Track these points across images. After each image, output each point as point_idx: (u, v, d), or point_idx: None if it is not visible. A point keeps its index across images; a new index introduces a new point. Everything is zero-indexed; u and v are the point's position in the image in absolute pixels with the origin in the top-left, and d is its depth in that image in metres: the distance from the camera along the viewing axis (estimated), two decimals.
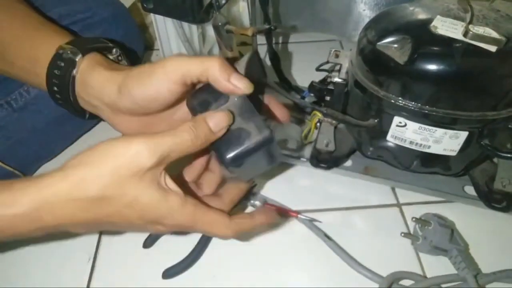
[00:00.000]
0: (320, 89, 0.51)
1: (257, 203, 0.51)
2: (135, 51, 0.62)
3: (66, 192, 0.31)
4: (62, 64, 0.39)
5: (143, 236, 0.48)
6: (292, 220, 0.50)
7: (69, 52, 0.39)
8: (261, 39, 0.55)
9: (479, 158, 0.47)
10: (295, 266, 0.46)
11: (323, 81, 0.51)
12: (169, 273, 0.45)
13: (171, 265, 0.45)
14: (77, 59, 0.39)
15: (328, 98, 0.52)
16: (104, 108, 0.39)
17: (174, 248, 0.47)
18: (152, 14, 0.50)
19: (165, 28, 0.51)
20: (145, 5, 0.46)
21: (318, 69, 0.54)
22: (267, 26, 0.47)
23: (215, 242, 0.48)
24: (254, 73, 0.38)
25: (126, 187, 0.31)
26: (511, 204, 0.48)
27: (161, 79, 0.34)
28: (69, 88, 0.40)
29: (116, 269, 0.46)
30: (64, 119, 0.54)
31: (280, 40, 0.81)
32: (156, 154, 0.31)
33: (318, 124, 0.52)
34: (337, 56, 0.51)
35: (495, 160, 0.51)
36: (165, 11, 0.47)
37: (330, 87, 0.50)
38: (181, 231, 0.43)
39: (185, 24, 0.49)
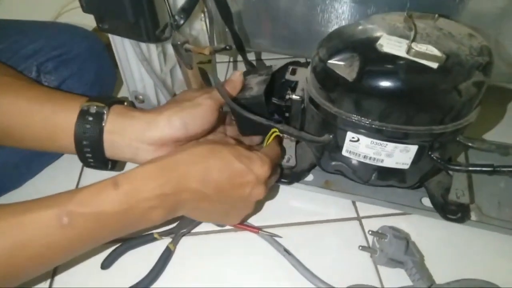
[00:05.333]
0: (279, 106, 0.52)
1: None
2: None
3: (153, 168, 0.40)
4: (91, 118, 0.43)
5: (101, 257, 0.47)
6: (253, 236, 0.50)
7: (95, 106, 0.44)
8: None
9: (432, 170, 0.48)
10: (256, 282, 0.46)
11: (282, 97, 0.52)
12: None
13: (131, 285, 0.45)
14: (105, 111, 0.44)
15: (287, 114, 0.53)
16: (146, 148, 0.45)
17: (133, 267, 0.47)
18: (110, 34, 0.50)
19: (123, 47, 0.51)
20: (100, 25, 0.47)
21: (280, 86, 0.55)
22: (223, 46, 0.48)
23: (174, 261, 0.48)
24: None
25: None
26: (465, 215, 0.49)
27: (209, 106, 0.46)
28: (100, 139, 0.44)
29: None
30: (35, 156, 0.55)
31: (254, 57, 0.83)
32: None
33: None
34: (294, 73, 0.52)
35: (451, 172, 0.52)
36: (120, 31, 0.47)
37: (288, 103, 0.51)
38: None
39: (143, 44, 0.50)
